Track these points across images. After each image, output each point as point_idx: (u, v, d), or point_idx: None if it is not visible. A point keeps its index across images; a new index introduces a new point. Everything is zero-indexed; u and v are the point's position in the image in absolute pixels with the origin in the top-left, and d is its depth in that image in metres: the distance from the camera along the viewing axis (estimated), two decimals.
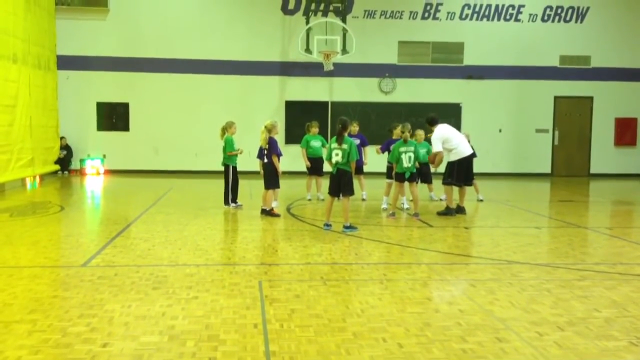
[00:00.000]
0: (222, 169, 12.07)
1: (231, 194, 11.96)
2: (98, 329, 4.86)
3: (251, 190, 13.87)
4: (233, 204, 11.93)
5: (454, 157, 11.41)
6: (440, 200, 13.27)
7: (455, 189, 11.69)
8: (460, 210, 11.53)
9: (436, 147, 11.27)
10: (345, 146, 9.53)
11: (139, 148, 20.19)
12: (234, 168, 11.92)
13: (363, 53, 20.02)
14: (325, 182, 10.37)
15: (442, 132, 11.35)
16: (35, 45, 17.03)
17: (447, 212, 11.38)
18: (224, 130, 11.94)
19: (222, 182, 12.14)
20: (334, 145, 9.64)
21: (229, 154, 11.85)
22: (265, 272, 6.86)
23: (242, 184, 12.31)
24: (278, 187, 11.12)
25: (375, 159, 13.93)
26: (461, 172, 11.45)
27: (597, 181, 20.17)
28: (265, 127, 11.05)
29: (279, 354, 4.37)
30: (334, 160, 9.61)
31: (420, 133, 12.65)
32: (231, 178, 11.92)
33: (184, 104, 20.22)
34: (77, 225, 10.35)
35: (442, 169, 11.93)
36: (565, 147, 21.71)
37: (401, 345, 4.59)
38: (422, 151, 12.33)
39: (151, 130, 20.18)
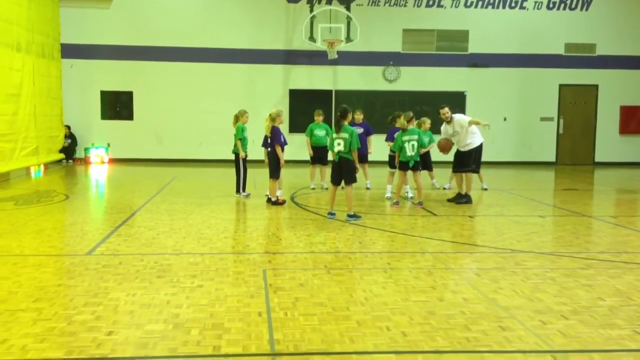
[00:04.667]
0: (226, 157, 12.01)
1: (241, 183, 11.98)
2: (103, 317, 4.88)
3: (255, 179, 13.87)
4: (243, 193, 11.94)
5: (478, 141, 11.51)
6: (444, 189, 13.29)
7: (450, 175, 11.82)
8: (459, 197, 11.58)
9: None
10: (346, 135, 9.51)
11: (143, 137, 20.20)
12: (245, 156, 11.91)
13: (367, 41, 19.95)
14: (329, 171, 10.37)
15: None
16: (39, 34, 17.00)
17: (468, 199, 11.42)
18: (237, 118, 11.95)
19: (226, 170, 12.13)
20: (335, 134, 9.63)
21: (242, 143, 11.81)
22: (269, 261, 6.87)
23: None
24: (278, 177, 11.09)
25: (379, 148, 13.90)
26: (480, 158, 11.68)
27: (601, 170, 20.11)
28: (270, 115, 11.06)
29: (283, 342, 4.38)
30: (336, 149, 9.60)
31: (426, 120, 12.70)
32: (241, 166, 11.92)
33: (188, 93, 20.19)
34: (81, 214, 10.37)
35: (450, 156, 11.94)
36: (570, 135, 21.64)
37: (405, 333, 4.60)
38: (426, 139, 12.36)
39: (155, 118, 20.17)
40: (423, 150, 12.38)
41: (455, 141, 11.70)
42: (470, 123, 11.43)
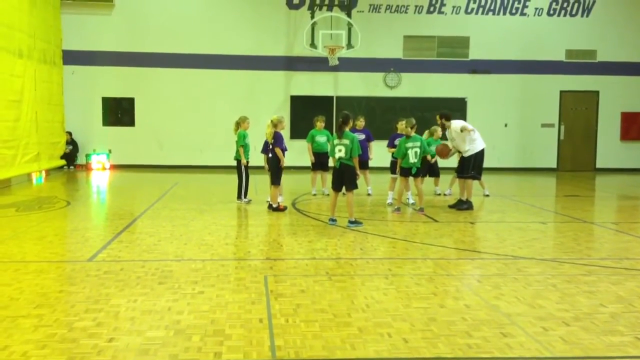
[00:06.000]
0: (227, 163, 12.04)
1: (243, 189, 12.01)
2: (104, 323, 4.88)
3: (256, 185, 13.87)
4: (245, 199, 11.96)
5: (477, 148, 11.47)
6: (445, 195, 13.29)
7: (456, 182, 11.77)
8: (461, 203, 11.58)
9: (469, 126, 11.47)
10: (347, 141, 9.51)
11: (144, 143, 20.22)
12: (246, 163, 11.94)
13: (368, 47, 19.99)
14: (330, 177, 10.37)
15: (465, 123, 11.77)
16: (41, 40, 17.05)
17: (469, 205, 11.41)
18: (238, 124, 11.97)
19: (227, 176, 12.15)
20: (336, 141, 9.63)
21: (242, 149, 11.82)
22: (270, 267, 6.86)
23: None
24: (279, 183, 11.10)
25: (380, 154, 13.91)
26: (481, 165, 11.64)
27: (603, 176, 20.10)
28: (272, 121, 11.07)
29: (284, 349, 4.38)
30: (337, 156, 9.59)
31: (437, 129, 12.73)
32: (243, 173, 11.96)
33: (189, 99, 20.23)
34: (83, 220, 10.37)
35: (452, 162, 11.97)
36: (571, 141, 21.64)
37: (406, 340, 4.59)
38: (434, 148, 12.39)
39: (156, 125, 20.20)
40: (433, 159, 12.49)
41: (454, 146, 11.75)
42: (462, 130, 11.42)
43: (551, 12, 21.20)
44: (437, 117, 12.01)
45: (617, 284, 6.26)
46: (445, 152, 11.76)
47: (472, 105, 20.90)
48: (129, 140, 20.19)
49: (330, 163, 10.76)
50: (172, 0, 20.23)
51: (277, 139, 11.01)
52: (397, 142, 11.71)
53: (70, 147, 19.66)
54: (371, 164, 13.25)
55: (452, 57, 20.98)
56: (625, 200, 14.72)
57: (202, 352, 4.31)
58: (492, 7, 21.00)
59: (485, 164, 11.98)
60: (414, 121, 11.14)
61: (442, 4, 20.79)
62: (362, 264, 7.13)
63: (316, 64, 20.07)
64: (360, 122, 13.12)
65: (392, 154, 11.90)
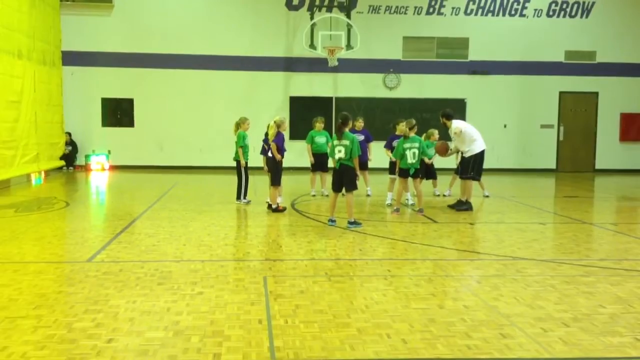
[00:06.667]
0: (226, 164, 12.04)
1: (242, 190, 12.02)
2: (103, 324, 4.87)
3: (256, 186, 13.86)
4: (244, 200, 11.97)
5: (476, 149, 11.45)
6: (444, 196, 13.28)
7: (455, 182, 11.78)
8: (460, 204, 11.58)
9: (460, 129, 11.44)
10: (346, 142, 9.50)
11: (143, 144, 20.22)
12: (245, 164, 11.95)
13: (367, 49, 20.00)
14: (330, 178, 10.38)
15: (464, 124, 11.73)
16: (40, 41, 17.04)
17: (468, 206, 11.41)
18: (237, 125, 11.98)
19: (226, 177, 12.14)
20: (336, 142, 9.62)
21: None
22: (269, 268, 6.86)
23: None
24: (279, 184, 11.10)
25: (380, 155, 13.90)
26: (481, 166, 11.61)
27: (602, 177, 20.11)
28: (275, 122, 11.09)
29: (283, 350, 4.38)
30: (337, 157, 9.58)
31: (434, 132, 12.74)
32: (243, 174, 11.97)
33: (189, 100, 20.24)
34: (82, 221, 10.37)
35: (451, 163, 11.97)
36: (570, 142, 21.65)
37: (405, 341, 4.59)
38: (433, 151, 12.37)
39: (156, 126, 20.20)
40: (429, 161, 12.48)
41: (455, 146, 11.78)
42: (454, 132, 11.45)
43: (550, 13, 21.21)
44: (440, 115, 12.01)
45: (616, 284, 6.26)
46: (443, 150, 11.81)
47: (471, 106, 20.90)
48: (128, 141, 20.19)
49: (330, 164, 10.77)
50: (171, 2, 20.25)
51: (278, 137, 11.03)
52: (394, 143, 11.72)
53: (70, 147, 19.65)
54: (370, 164, 13.24)
55: (451, 58, 20.98)
56: (624, 201, 14.72)
57: (201, 353, 4.30)
58: (491, 8, 21.01)
59: (485, 165, 11.97)
60: (413, 122, 11.15)
61: (442, 5, 20.80)
62: (362, 264, 7.13)
63: (315, 65, 20.07)
64: (360, 123, 13.11)
65: (392, 155, 11.89)
